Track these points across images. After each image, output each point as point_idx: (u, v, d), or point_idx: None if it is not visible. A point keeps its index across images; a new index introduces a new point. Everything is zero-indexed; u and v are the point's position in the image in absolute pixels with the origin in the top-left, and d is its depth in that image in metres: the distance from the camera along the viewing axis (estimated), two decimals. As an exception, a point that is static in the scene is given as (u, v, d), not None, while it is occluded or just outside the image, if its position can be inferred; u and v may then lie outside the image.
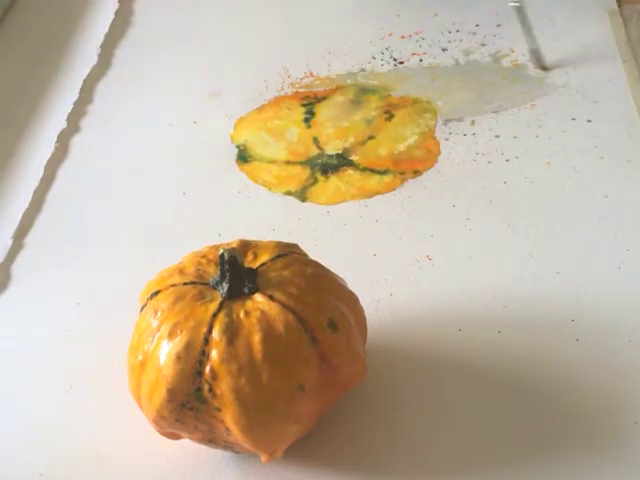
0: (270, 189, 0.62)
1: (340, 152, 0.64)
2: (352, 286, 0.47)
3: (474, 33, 0.73)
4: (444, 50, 0.72)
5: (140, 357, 0.44)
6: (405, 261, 0.56)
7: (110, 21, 0.78)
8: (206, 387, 0.42)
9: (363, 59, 0.72)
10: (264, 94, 0.70)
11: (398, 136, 0.65)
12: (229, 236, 0.48)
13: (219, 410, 0.42)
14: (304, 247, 0.48)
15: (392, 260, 0.56)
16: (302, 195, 0.62)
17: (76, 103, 0.70)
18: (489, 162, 0.62)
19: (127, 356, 0.45)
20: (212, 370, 0.42)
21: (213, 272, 0.45)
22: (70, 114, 0.69)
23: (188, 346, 0.42)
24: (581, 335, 0.51)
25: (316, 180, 0.63)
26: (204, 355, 0.42)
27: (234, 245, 0.46)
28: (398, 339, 0.52)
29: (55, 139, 0.67)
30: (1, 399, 0.52)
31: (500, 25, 0.73)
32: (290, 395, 0.42)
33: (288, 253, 0.46)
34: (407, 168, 0.63)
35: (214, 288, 0.44)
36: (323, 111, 0.67)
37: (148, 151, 0.67)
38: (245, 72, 0.72)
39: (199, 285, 0.44)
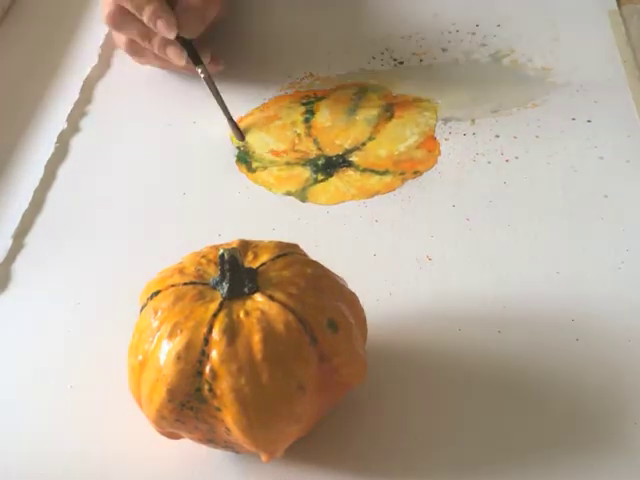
0: (270, 189, 0.62)
1: (340, 153, 0.64)
2: (352, 286, 0.47)
3: (474, 33, 0.73)
4: (444, 50, 0.72)
5: (140, 357, 0.44)
6: (405, 261, 0.56)
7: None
8: (206, 387, 0.42)
9: (363, 59, 0.72)
10: (264, 94, 0.70)
11: (398, 136, 0.65)
12: (229, 236, 0.48)
13: (219, 410, 0.42)
14: (304, 247, 0.48)
15: (392, 260, 0.56)
16: (302, 195, 0.62)
17: (76, 103, 0.70)
18: (489, 162, 0.62)
19: (127, 356, 0.45)
20: (212, 370, 0.42)
21: (213, 272, 0.45)
22: (70, 114, 0.69)
23: (188, 346, 0.42)
24: (581, 335, 0.51)
25: (316, 180, 0.63)
26: (204, 355, 0.42)
27: (234, 245, 0.46)
28: (398, 339, 0.52)
29: (55, 139, 0.67)
30: (1, 399, 0.52)
31: (500, 25, 0.73)
32: (290, 395, 0.42)
33: (288, 253, 0.46)
34: (407, 168, 0.62)
35: (214, 288, 0.44)
36: (323, 110, 0.67)
37: (148, 151, 0.67)
38: (245, 72, 0.72)
39: (199, 285, 0.44)
